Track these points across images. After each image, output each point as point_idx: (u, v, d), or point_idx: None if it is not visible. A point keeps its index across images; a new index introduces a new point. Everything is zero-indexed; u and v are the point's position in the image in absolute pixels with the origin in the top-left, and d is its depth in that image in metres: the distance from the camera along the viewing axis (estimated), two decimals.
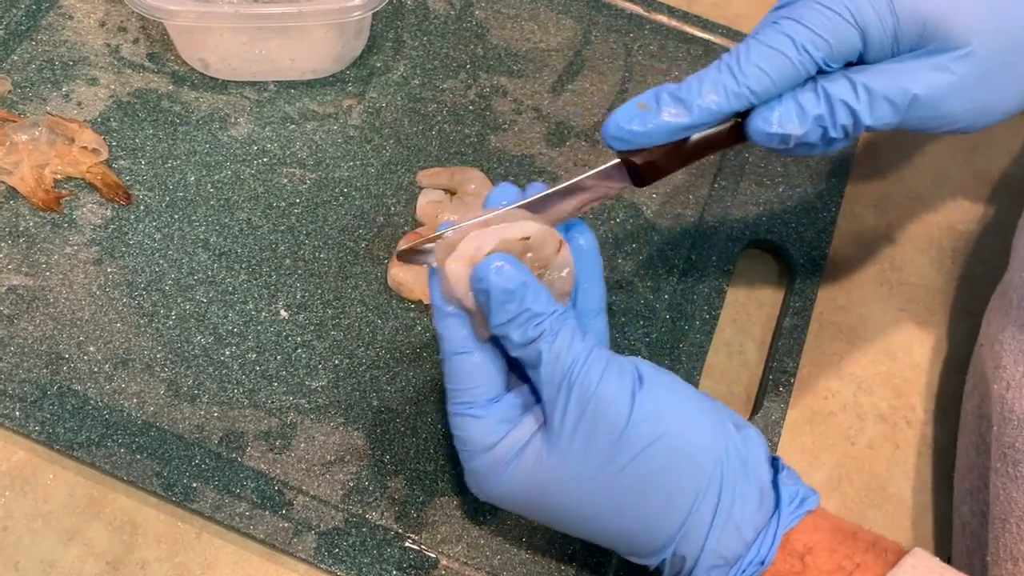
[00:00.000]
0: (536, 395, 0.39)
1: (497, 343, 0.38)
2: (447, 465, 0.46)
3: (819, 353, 0.54)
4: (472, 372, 0.38)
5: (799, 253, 0.55)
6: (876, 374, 0.54)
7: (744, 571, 0.36)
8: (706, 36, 0.62)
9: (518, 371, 0.40)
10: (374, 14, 0.54)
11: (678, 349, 0.52)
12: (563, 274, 0.39)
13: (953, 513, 0.49)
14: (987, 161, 0.62)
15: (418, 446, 0.47)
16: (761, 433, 0.39)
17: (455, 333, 0.38)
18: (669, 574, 0.38)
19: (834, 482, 0.51)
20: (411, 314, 0.51)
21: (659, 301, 0.53)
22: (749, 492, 0.37)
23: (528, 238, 0.38)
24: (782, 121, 0.38)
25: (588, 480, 0.37)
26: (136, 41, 0.57)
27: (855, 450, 0.52)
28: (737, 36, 0.62)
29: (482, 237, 0.38)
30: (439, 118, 0.57)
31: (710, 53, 0.61)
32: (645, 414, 0.36)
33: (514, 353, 0.37)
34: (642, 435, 0.36)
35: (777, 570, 0.36)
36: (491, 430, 0.38)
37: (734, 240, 0.55)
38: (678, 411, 0.37)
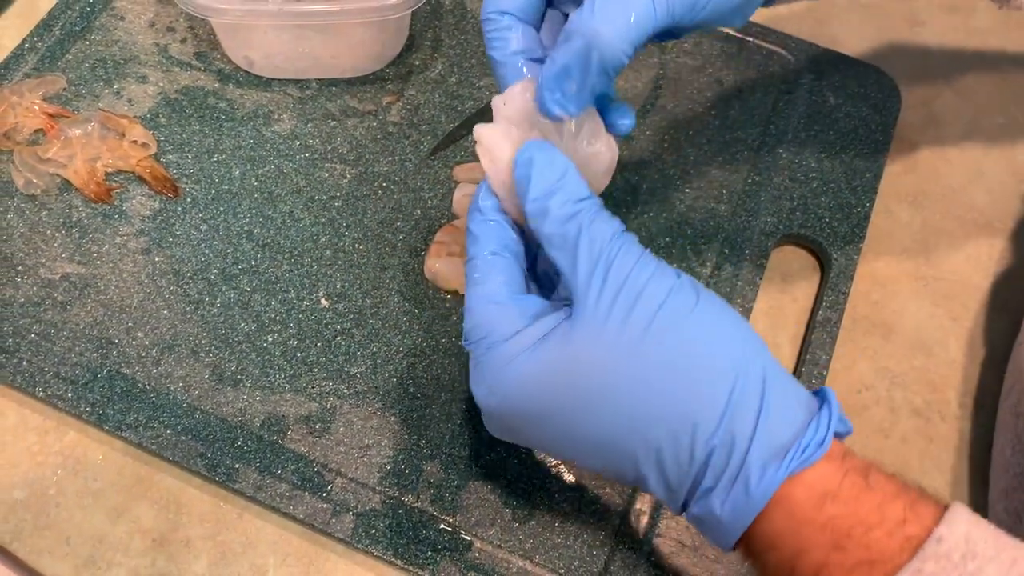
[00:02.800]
0: (558, 303, 0.37)
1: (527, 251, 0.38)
2: (481, 451, 0.47)
3: (853, 347, 0.54)
4: (502, 269, 0.37)
5: (833, 248, 0.55)
6: (911, 369, 0.54)
7: (804, 451, 0.33)
8: (740, 35, 0.62)
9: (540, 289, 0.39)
10: (413, 14, 0.56)
11: None
12: (597, 149, 0.39)
13: (988, 511, 0.49)
14: None
15: (453, 432, 0.48)
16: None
17: (491, 234, 0.38)
18: (710, 483, 0.34)
19: None
20: (447, 304, 0.52)
21: None
22: (793, 388, 0.35)
23: None
24: None
25: (623, 358, 0.34)
26: (184, 40, 0.59)
27: (889, 443, 0.52)
28: (772, 34, 0.63)
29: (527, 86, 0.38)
30: (474, 113, 0.58)
31: (745, 50, 0.62)
32: (684, 297, 0.35)
33: (547, 230, 0.36)
34: (681, 310, 0.34)
35: (840, 487, 0.34)
36: (514, 319, 0.36)
37: (768, 234, 0.55)
38: (713, 306, 0.35)
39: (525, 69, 0.40)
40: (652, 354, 0.34)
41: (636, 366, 0.34)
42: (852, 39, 0.66)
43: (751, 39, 0.62)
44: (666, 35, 0.41)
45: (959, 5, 0.68)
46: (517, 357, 0.35)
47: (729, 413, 0.34)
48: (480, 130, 0.39)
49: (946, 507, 0.34)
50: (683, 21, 0.37)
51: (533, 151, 0.36)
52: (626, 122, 0.40)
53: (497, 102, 0.39)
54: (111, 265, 0.51)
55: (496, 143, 0.38)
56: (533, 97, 0.38)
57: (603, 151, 0.39)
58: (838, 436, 0.36)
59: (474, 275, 0.37)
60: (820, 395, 0.36)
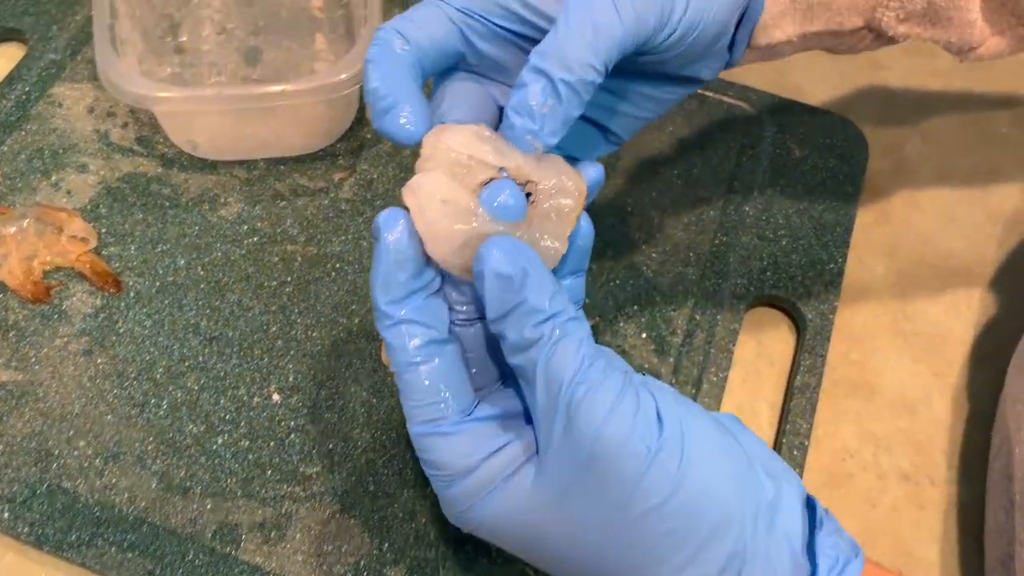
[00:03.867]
0: (514, 412, 0.34)
1: (476, 332, 0.34)
2: (449, 552, 0.45)
3: (834, 411, 0.52)
4: (436, 382, 0.32)
5: (807, 307, 0.53)
6: (896, 431, 0.52)
7: None
8: (700, 90, 0.61)
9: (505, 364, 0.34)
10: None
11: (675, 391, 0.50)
12: (563, 203, 0.33)
13: None
14: (999, 200, 0.60)
15: (417, 532, 0.45)
16: (798, 479, 0.34)
17: (406, 340, 0.32)
18: None
19: None
20: None
21: (663, 365, 0.51)
22: (778, 561, 0.31)
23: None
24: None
25: (588, 530, 0.31)
26: (125, 126, 0.57)
27: (878, 513, 0.49)
28: (732, 88, 0.61)
29: (449, 133, 0.32)
30: None
31: (705, 106, 0.60)
32: (662, 464, 0.30)
33: (509, 359, 0.32)
34: (656, 489, 0.30)
35: None
36: (468, 449, 0.32)
37: (739, 297, 0.53)
38: (701, 459, 0.31)
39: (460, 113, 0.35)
40: (621, 535, 0.31)
41: (603, 541, 0.31)
42: (815, 87, 0.64)
43: (711, 94, 0.61)
44: (639, 75, 0.38)
45: (921, 48, 0.67)
46: (481, 496, 0.32)
47: None
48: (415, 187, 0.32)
49: None
50: (653, 42, 0.34)
51: (482, 263, 0.31)
52: (591, 172, 0.36)
53: (432, 141, 0.33)
54: (50, 370, 0.49)
55: (430, 206, 0.31)
56: (480, 138, 0.32)
57: (570, 206, 0.33)
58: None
59: (403, 396, 0.33)
60: (811, 549, 0.32)
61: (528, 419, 0.34)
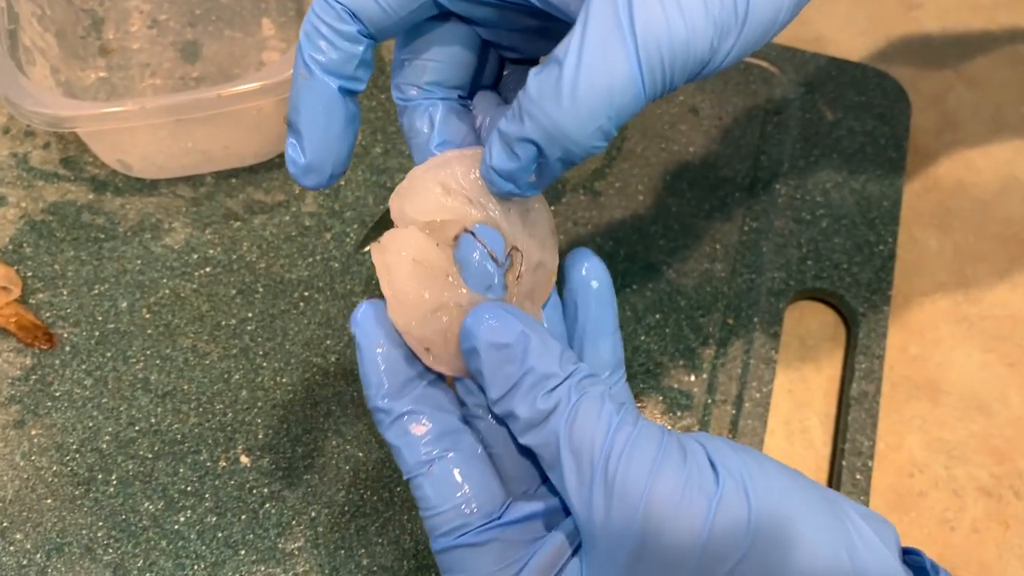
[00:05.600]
0: (537, 502, 0.28)
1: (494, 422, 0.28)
2: None
3: (896, 419, 0.45)
4: (452, 481, 0.27)
5: (857, 300, 0.46)
6: (969, 437, 0.45)
7: None
8: None
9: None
10: None
11: (726, 438, 0.42)
12: (541, 275, 0.28)
13: None
14: None
15: None
16: (893, 529, 0.27)
17: (412, 437, 0.27)
18: None
19: None
20: None
21: (697, 382, 0.43)
22: None
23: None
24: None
25: None
26: (47, 146, 0.49)
27: (957, 537, 0.42)
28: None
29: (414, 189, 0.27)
30: None
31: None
32: (728, 526, 0.25)
33: (523, 440, 0.27)
34: (730, 546, 0.25)
35: None
36: (500, 561, 0.27)
37: (777, 294, 0.46)
38: (774, 512, 0.25)
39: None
40: None
41: None
42: (840, 35, 0.56)
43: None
44: None
45: None
46: None
47: None
48: (383, 247, 0.28)
49: None
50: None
51: (474, 337, 0.26)
52: (590, 269, 0.29)
53: (401, 199, 0.28)
54: None
55: (399, 267, 0.27)
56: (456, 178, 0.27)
57: (548, 262, 0.29)
58: None
59: (423, 507, 0.27)
60: None
61: (568, 511, 0.27)
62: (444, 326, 0.27)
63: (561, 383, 0.26)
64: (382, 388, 0.27)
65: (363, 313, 0.28)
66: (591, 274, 0.29)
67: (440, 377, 0.28)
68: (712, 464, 0.25)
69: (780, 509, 0.25)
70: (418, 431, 0.27)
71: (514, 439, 0.27)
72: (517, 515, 0.27)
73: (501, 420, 0.27)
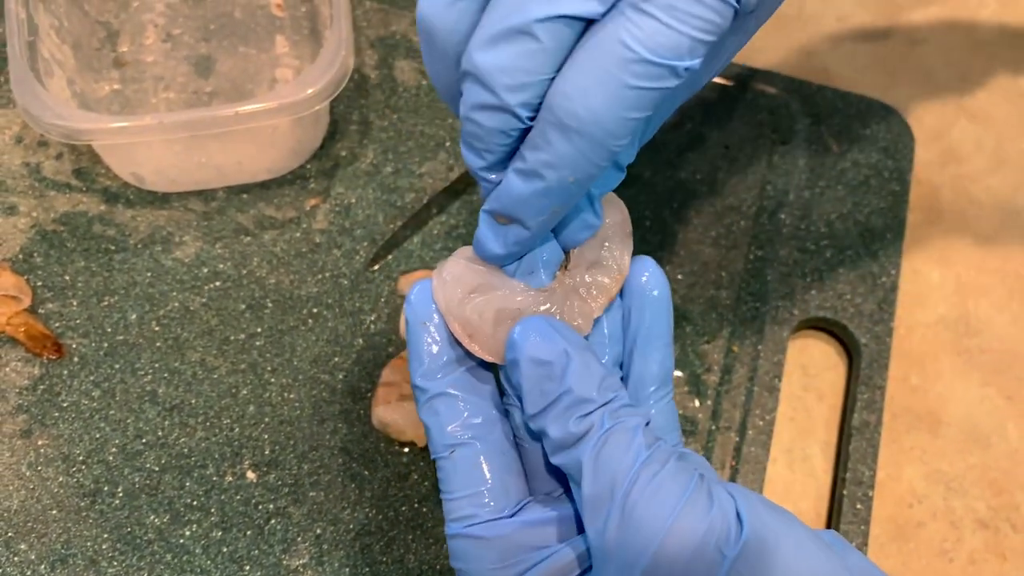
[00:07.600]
0: (556, 506, 0.28)
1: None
2: None
3: (896, 449, 0.45)
4: (473, 470, 0.28)
5: (860, 329, 0.46)
6: (967, 468, 0.45)
7: None
8: (721, 79, 0.53)
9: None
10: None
11: (729, 466, 0.43)
12: (600, 280, 0.28)
13: None
14: None
15: None
16: None
17: (441, 419, 0.28)
18: None
19: None
20: (403, 460, 0.42)
21: (701, 408, 0.44)
22: None
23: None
24: None
25: None
26: (59, 156, 0.49)
27: (954, 568, 0.43)
28: (756, 75, 0.54)
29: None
30: (419, 209, 0.48)
31: (727, 98, 0.53)
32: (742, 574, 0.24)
33: (553, 459, 0.27)
34: None
35: None
36: (501, 559, 0.27)
37: (781, 322, 0.46)
38: (793, 572, 0.25)
39: None
40: None
41: None
42: (844, 68, 0.57)
43: (732, 83, 0.53)
44: None
45: (959, 18, 0.60)
46: None
47: None
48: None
49: None
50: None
51: (518, 349, 0.26)
52: (650, 277, 0.30)
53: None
54: None
55: (452, 271, 0.28)
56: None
57: (609, 284, 0.29)
58: None
59: (443, 489, 0.28)
60: None
61: (582, 527, 0.27)
62: (480, 307, 0.27)
63: (596, 409, 0.26)
64: (421, 366, 0.28)
65: (418, 291, 0.28)
66: (651, 283, 0.29)
67: (484, 366, 0.29)
68: (740, 518, 0.25)
69: (800, 569, 0.25)
70: (449, 414, 0.28)
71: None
72: (530, 517, 0.27)
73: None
